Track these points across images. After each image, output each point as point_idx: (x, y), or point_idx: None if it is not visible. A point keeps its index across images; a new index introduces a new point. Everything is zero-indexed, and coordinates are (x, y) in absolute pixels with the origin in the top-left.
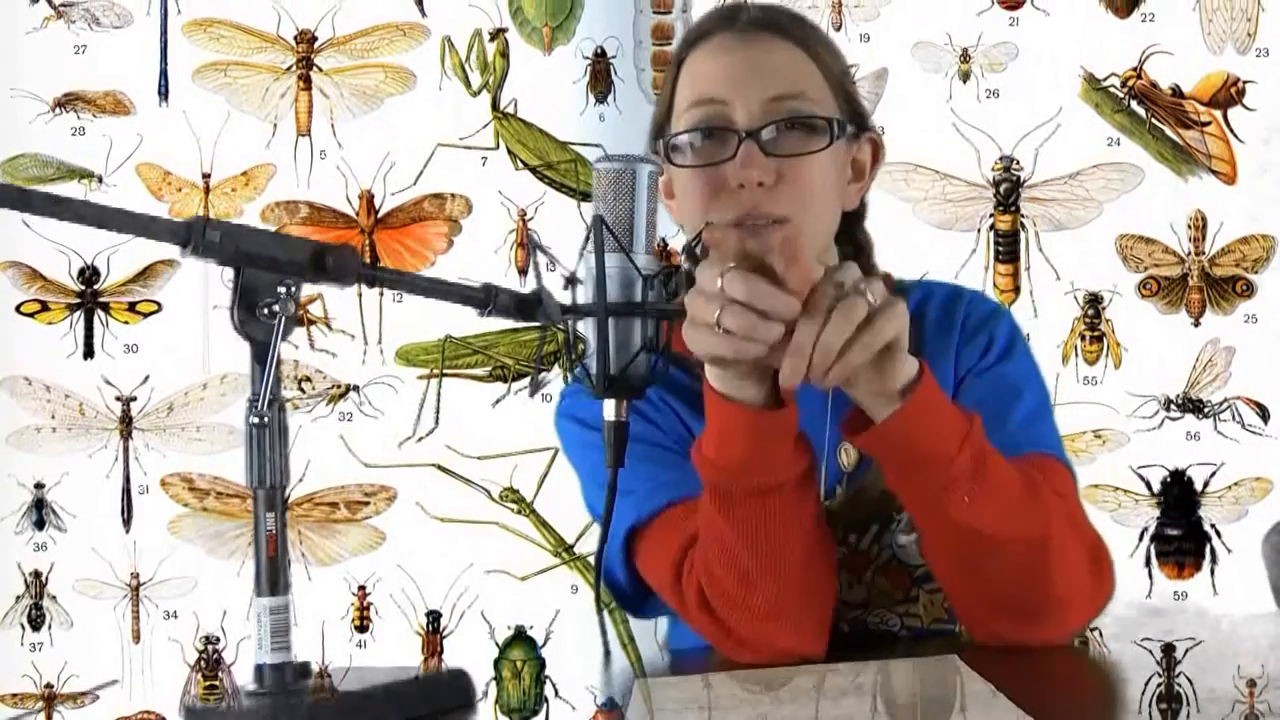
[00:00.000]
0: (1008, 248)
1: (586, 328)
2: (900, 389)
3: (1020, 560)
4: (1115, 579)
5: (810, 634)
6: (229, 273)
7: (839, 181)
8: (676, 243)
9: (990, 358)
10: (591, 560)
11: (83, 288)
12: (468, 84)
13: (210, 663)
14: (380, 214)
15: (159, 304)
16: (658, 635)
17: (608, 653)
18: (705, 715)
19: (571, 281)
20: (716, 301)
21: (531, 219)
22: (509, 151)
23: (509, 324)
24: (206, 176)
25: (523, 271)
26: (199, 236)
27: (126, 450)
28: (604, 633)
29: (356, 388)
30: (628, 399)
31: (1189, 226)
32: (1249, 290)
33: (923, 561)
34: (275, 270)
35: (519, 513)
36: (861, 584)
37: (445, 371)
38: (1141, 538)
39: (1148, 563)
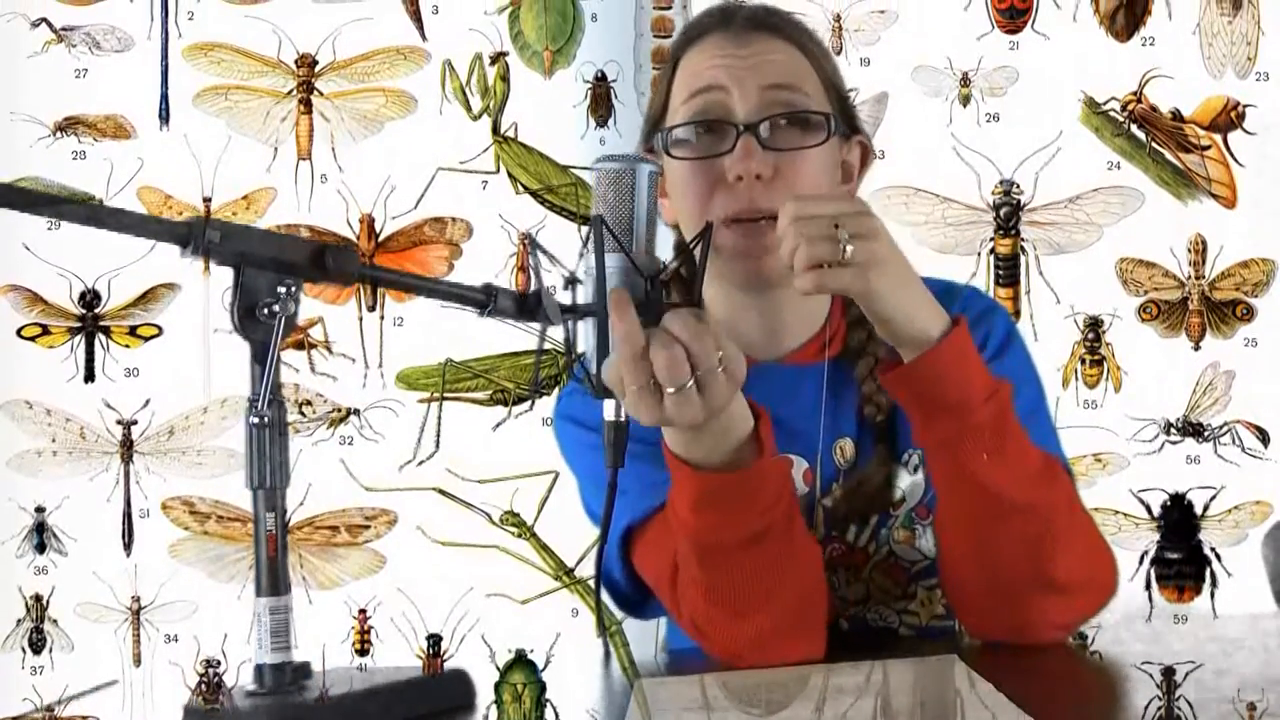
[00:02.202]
0: (1008, 271)
1: (585, 334)
2: (923, 340)
3: (1028, 533)
4: (1117, 580)
5: (808, 642)
6: (229, 297)
7: (831, 181)
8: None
9: (986, 353)
10: (592, 584)
11: (83, 311)
12: (468, 108)
13: (211, 686)
14: (381, 238)
15: (160, 328)
16: (657, 650)
17: (608, 654)
18: (704, 716)
19: (571, 281)
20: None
21: (532, 260)
22: (509, 175)
23: (509, 348)
24: (207, 200)
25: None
26: (199, 236)
27: (127, 474)
28: (603, 632)
29: (357, 411)
30: None
31: (1189, 250)
32: (1249, 314)
33: (920, 557)
34: (275, 270)
35: (520, 536)
36: (860, 581)
37: (446, 395)
38: (1141, 561)
39: (1148, 586)
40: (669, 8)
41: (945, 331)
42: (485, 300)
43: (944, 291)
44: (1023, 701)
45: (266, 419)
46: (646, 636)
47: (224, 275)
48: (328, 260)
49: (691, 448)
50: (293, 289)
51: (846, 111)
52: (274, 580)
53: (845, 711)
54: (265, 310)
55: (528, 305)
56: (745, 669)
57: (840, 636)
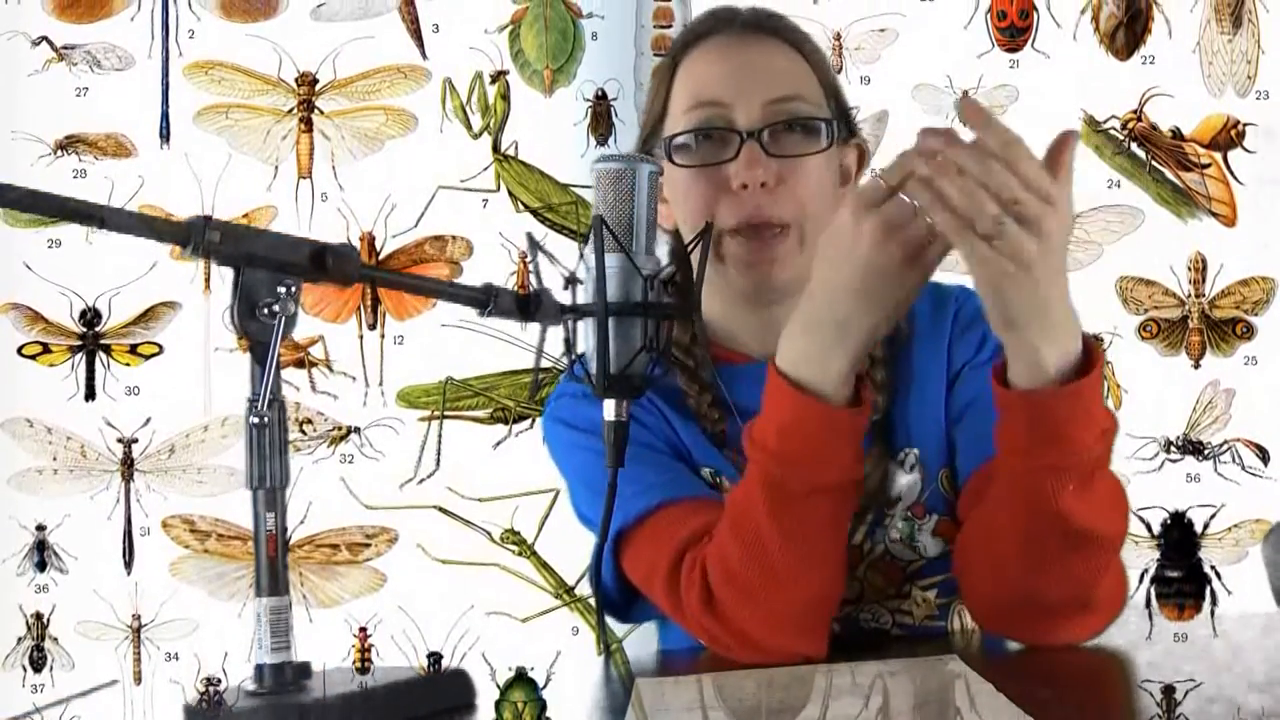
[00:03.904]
0: None
1: (585, 334)
2: (1069, 358)
3: (1088, 563)
4: (1127, 595)
5: (818, 637)
6: (229, 297)
7: (834, 185)
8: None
9: (985, 353)
10: (593, 602)
11: (84, 330)
12: (469, 126)
13: (211, 704)
14: (381, 256)
15: (160, 346)
16: (658, 650)
17: (608, 653)
18: (702, 716)
19: (571, 281)
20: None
21: (532, 261)
22: (510, 193)
23: (509, 366)
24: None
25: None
26: (199, 235)
27: (128, 492)
28: (605, 649)
29: (358, 430)
30: (627, 399)
31: (1189, 269)
32: (1249, 332)
33: (915, 556)
34: (275, 270)
35: (520, 554)
36: (854, 579)
37: (446, 413)
38: (1141, 579)
39: (1148, 604)
40: (669, 26)
41: (1083, 360)
42: (485, 300)
43: (939, 291)
44: (1023, 697)
45: (266, 419)
46: (648, 638)
47: (224, 294)
48: (328, 260)
49: (809, 361)
50: (293, 289)
51: (844, 114)
52: (274, 580)
53: (844, 712)
54: (265, 310)
55: (528, 305)
56: (743, 661)
57: (832, 639)
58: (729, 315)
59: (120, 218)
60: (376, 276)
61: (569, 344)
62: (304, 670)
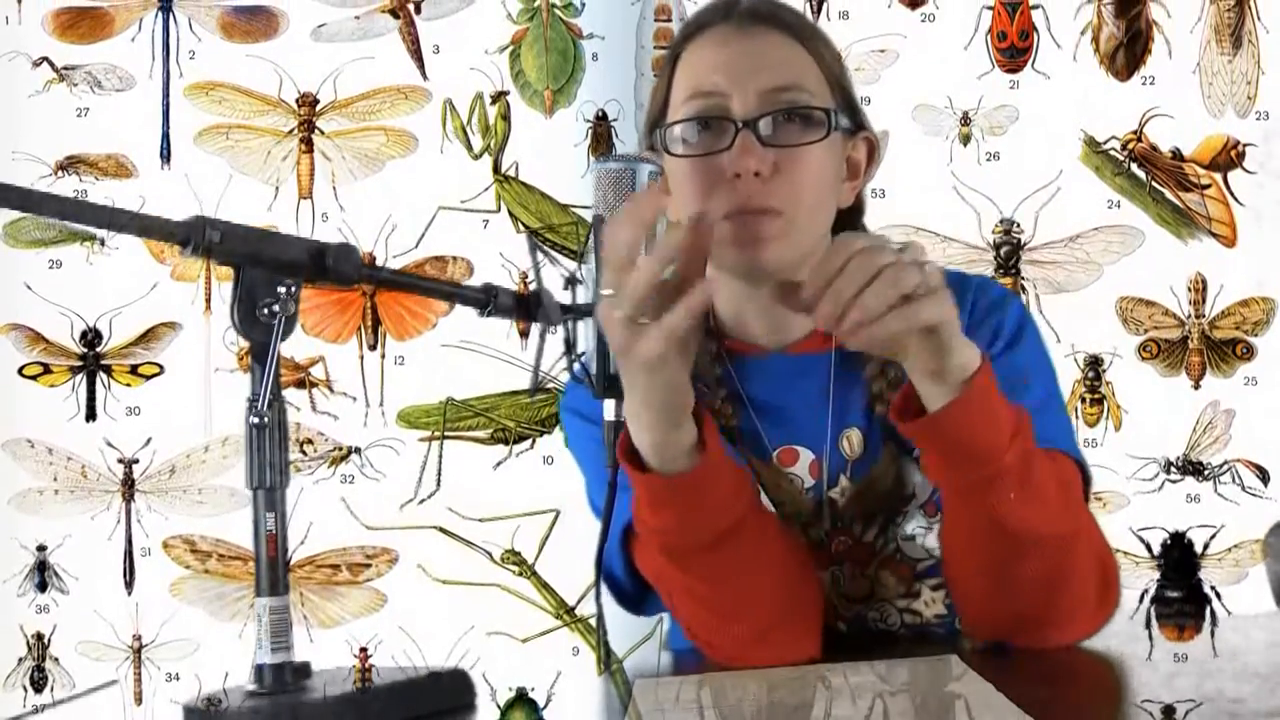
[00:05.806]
0: None
1: (585, 334)
2: (960, 379)
3: (1044, 565)
4: (1120, 594)
5: (802, 640)
6: (231, 335)
7: (834, 177)
8: None
9: (998, 345)
10: (593, 622)
11: (85, 350)
12: (469, 147)
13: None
14: None
15: (161, 366)
16: (660, 649)
17: (609, 671)
18: (701, 716)
19: (571, 281)
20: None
21: (532, 281)
22: (510, 214)
23: (510, 387)
24: None
25: (524, 333)
26: (199, 236)
27: (128, 512)
28: (606, 669)
29: (358, 450)
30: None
31: (1189, 289)
32: (1249, 353)
33: (925, 555)
34: (275, 270)
35: (520, 575)
36: (864, 577)
37: (446, 434)
38: (1142, 600)
39: (1148, 624)
40: (669, 47)
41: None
42: (486, 300)
43: (958, 281)
44: (1023, 697)
45: (266, 419)
46: (650, 654)
47: (224, 316)
48: (328, 260)
49: (638, 440)
50: (293, 289)
51: (851, 107)
52: (274, 580)
53: (845, 711)
54: (265, 310)
55: (528, 305)
56: (745, 668)
57: (839, 639)
58: (735, 303)
59: (122, 219)
60: (376, 277)
61: (569, 344)
62: (304, 670)
